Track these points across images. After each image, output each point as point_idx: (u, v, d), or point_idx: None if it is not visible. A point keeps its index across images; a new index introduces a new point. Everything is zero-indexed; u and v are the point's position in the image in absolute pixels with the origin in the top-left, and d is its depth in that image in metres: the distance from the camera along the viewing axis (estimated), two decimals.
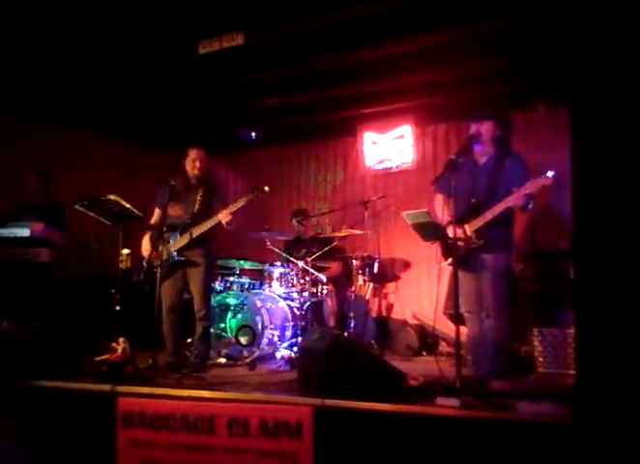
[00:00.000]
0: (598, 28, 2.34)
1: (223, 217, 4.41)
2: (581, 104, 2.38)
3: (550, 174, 3.56)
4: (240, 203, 4.44)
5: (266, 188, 4.45)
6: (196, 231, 4.51)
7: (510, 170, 3.84)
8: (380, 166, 7.18)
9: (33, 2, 4.43)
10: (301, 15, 4.53)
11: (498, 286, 3.85)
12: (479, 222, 3.78)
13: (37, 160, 5.48)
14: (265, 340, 5.13)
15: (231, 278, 5.77)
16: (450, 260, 3.89)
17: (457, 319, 3.60)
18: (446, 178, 3.63)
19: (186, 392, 3.57)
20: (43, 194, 5.14)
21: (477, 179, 3.90)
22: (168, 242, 4.50)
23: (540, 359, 4.77)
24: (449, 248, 3.89)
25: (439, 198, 4.12)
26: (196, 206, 4.61)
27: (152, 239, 4.61)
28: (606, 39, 2.33)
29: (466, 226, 3.81)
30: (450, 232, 3.82)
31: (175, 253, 4.50)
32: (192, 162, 4.64)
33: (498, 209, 3.72)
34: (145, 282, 4.55)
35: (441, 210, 3.99)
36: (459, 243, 3.78)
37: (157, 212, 4.70)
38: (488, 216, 3.75)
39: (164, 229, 4.42)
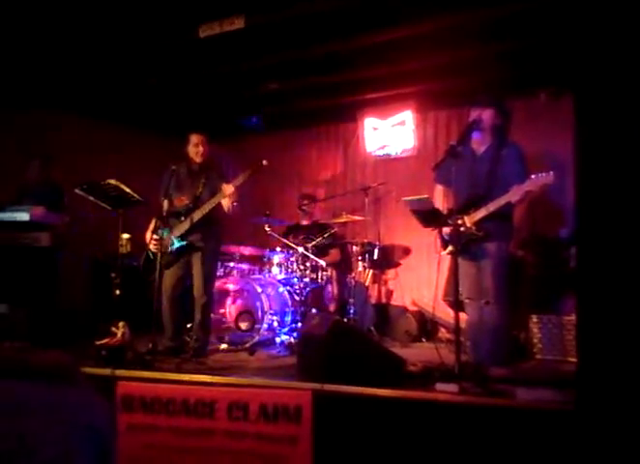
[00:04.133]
0: (604, 14, 2.31)
1: (227, 190, 4.37)
2: (585, 92, 2.36)
3: (552, 172, 3.55)
4: (240, 179, 4.39)
5: (264, 162, 4.41)
6: (198, 214, 4.50)
7: (508, 160, 3.82)
8: (381, 152, 7.15)
9: None
10: None
11: (498, 273, 3.85)
12: (478, 215, 3.78)
13: (37, 146, 5.45)
14: (265, 326, 5.13)
15: (231, 264, 5.78)
16: (449, 249, 3.89)
17: (457, 306, 3.61)
18: (445, 167, 3.64)
19: (186, 377, 3.59)
20: (45, 178, 5.14)
21: (476, 169, 3.89)
22: (171, 229, 4.49)
23: (539, 345, 4.78)
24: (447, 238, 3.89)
25: (439, 189, 4.11)
26: (199, 190, 4.59)
27: (155, 228, 4.60)
28: (612, 27, 2.31)
29: (466, 218, 3.80)
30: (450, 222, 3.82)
31: (177, 240, 4.49)
32: (195, 148, 4.62)
33: (497, 203, 3.71)
34: (149, 270, 4.54)
35: (441, 201, 3.99)
36: (460, 230, 3.78)
37: (164, 203, 4.56)
38: (490, 208, 3.73)
39: (168, 217, 4.44)
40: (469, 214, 3.81)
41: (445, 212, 3.89)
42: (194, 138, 4.64)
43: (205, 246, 4.58)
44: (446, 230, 3.89)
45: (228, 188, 4.38)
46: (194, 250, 4.57)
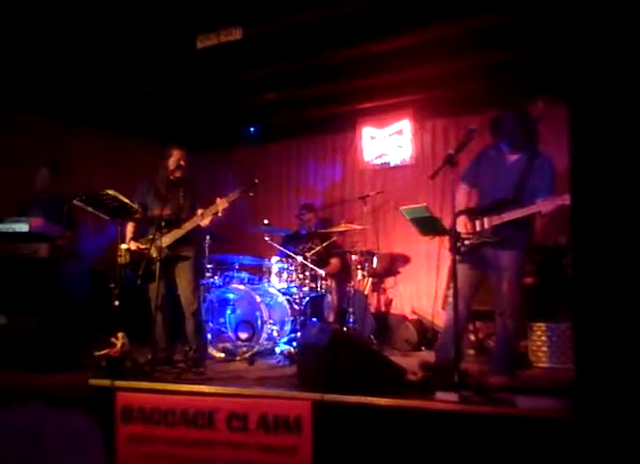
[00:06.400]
0: (599, 23, 2.33)
1: (221, 205, 4.48)
2: (579, 101, 2.38)
3: None
4: (233, 195, 4.54)
5: (256, 181, 4.60)
6: (187, 226, 4.55)
7: (539, 172, 3.77)
8: (378, 161, 7.17)
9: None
10: (299, 10, 4.52)
11: (512, 285, 3.81)
12: (500, 219, 3.73)
13: (47, 154, 5.45)
14: (264, 335, 5.13)
15: (230, 273, 5.77)
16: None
17: (455, 314, 3.60)
18: (475, 167, 3.76)
19: (185, 387, 3.58)
20: (54, 187, 5.16)
21: (506, 174, 3.86)
22: (157, 239, 4.50)
23: (539, 353, 4.78)
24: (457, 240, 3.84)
25: (463, 188, 4.06)
26: (181, 202, 4.67)
27: (135, 236, 4.66)
28: (606, 35, 2.33)
29: (485, 219, 3.78)
30: (460, 223, 3.79)
31: (167, 250, 4.51)
32: (177, 162, 4.67)
33: (525, 211, 3.66)
34: (137, 278, 4.55)
35: (460, 200, 3.95)
36: (469, 237, 3.77)
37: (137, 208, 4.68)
38: (515, 215, 3.68)
39: (146, 225, 4.47)
40: (490, 216, 3.77)
41: (461, 209, 3.85)
42: (177, 153, 4.70)
43: (191, 256, 4.67)
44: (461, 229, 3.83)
45: (222, 203, 4.48)
46: (181, 260, 4.62)
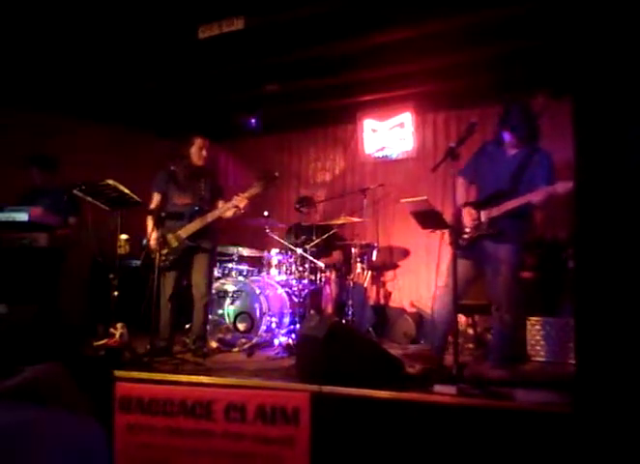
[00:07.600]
0: (604, 17, 2.32)
1: (241, 203, 4.48)
2: (584, 94, 2.37)
3: None
4: (253, 190, 4.52)
5: (276, 174, 4.59)
6: (208, 217, 4.54)
7: (538, 165, 3.79)
8: (380, 154, 7.16)
9: None
10: (302, 1, 4.50)
11: (507, 278, 3.82)
12: (495, 212, 3.75)
13: (34, 152, 5.43)
14: (263, 327, 5.13)
15: (230, 265, 5.77)
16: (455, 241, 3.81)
17: (456, 307, 3.60)
18: (473, 163, 3.80)
19: (183, 378, 3.59)
20: (54, 179, 5.16)
21: (503, 169, 3.87)
22: (176, 229, 4.51)
23: (537, 347, 4.79)
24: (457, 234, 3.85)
25: (461, 182, 4.08)
26: (202, 193, 4.65)
27: (156, 226, 4.60)
28: (611, 29, 2.31)
29: (482, 212, 3.80)
30: (466, 213, 3.82)
31: (187, 240, 4.52)
32: (199, 151, 4.67)
33: (517, 202, 3.68)
34: (150, 270, 4.53)
35: (460, 194, 3.97)
36: (468, 230, 3.78)
37: (156, 197, 4.70)
38: (508, 205, 3.71)
39: (170, 216, 4.45)
40: (486, 209, 3.79)
41: (461, 204, 3.87)
42: (199, 142, 4.68)
43: (209, 247, 4.66)
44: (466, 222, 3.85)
45: (242, 201, 4.48)
46: (199, 251, 4.62)
